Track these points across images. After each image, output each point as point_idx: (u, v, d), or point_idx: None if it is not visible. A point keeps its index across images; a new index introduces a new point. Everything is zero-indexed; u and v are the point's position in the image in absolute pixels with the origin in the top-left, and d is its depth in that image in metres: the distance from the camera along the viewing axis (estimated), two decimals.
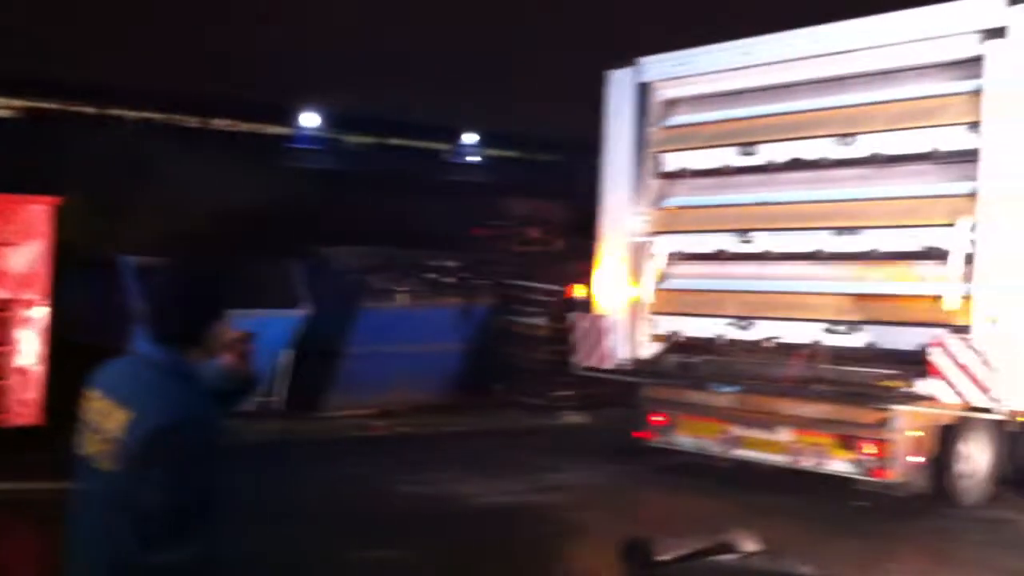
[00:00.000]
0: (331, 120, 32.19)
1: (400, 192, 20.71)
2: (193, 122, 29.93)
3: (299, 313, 12.96)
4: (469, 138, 35.59)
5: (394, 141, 33.71)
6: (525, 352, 15.24)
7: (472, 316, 14.80)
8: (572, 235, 15.71)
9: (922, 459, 9.19)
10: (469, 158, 35.40)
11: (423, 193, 21.40)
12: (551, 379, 14.53)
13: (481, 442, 12.94)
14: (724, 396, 10.25)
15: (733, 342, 10.64)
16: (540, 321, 15.18)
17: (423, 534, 8.45)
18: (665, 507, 9.75)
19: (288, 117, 31.72)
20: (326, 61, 27.95)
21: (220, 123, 30.60)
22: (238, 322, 3.27)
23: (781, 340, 10.29)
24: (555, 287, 14.95)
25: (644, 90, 11.55)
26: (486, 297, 15.08)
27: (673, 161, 11.54)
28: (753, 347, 10.48)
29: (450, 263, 15.09)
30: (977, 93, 9.09)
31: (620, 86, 11.65)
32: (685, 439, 10.61)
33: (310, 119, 32.41)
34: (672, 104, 11.64)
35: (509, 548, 8.28)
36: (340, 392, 13.78)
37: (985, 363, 8.47)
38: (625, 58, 11.70)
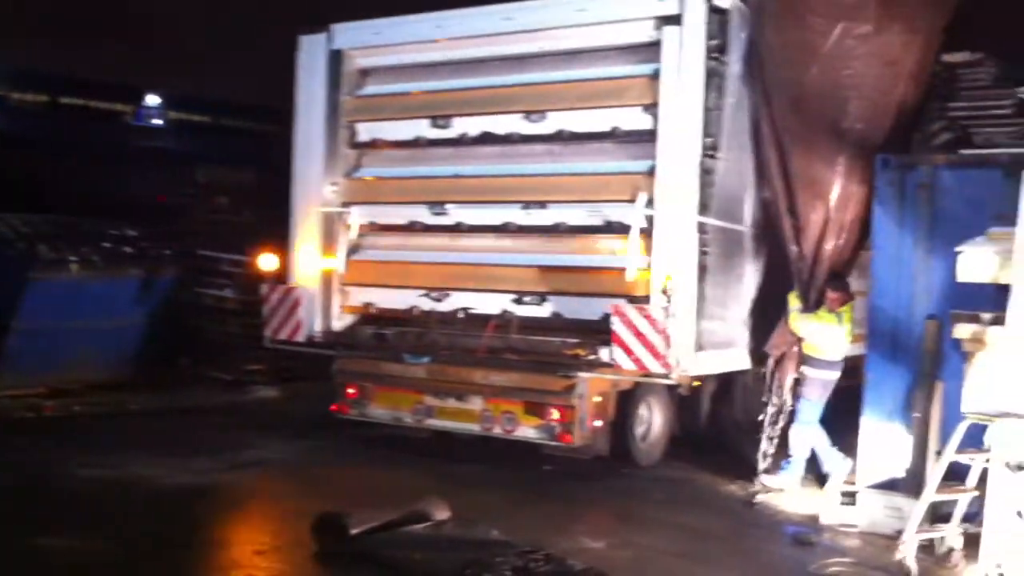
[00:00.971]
0: None
1: (75, 156, 19.29)
2: None
3: None
4: (152, 100, 33.65)
5: (68, 101, 31.28)
6: (213, 325, 14.67)
7: (155, 288, 14.04)
8: (262, 205, 15.25)
9: (603, 423, 9.65)
10: (154, 121, 33.47)
11: (101, 158, 20.04)
12: (241, 353, 14.08)
13: (167, 420, 12.34)
14: (417, 367, 10.31)
15: (427, 313, 10.70)
16: (228, 293, 14.66)
17: (104, 519, 7.94)
18: (360, 480, 9.68)
19: None
20: None
21: None
22: None
23: (473, 311, 10.46)
24: (244, 258, 14.45)
25: (337, 57, 11.34)
26: (170, 268, 14.34)
27: (367, 131, 11.42)
28: (446, 318, 10.59)
29: (130, 232, 14.22)
30: (655, 76, 9.57)
31: (313, 52, 11.38)
32: (380, 411, 10.59)
33: None
34: (366, 73, 11.51)
35: (198, 530, 7.93)
36: (7, 371, 12.64)
37: (660, 332, 8.99)
38: (319, 23, 11.42)
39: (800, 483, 9.63)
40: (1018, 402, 7.37)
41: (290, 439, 11.33)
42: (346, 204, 11.24)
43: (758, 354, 10.19)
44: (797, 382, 9.84)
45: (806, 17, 9.48)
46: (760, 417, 10.00)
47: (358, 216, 11.15)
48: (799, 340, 9.81)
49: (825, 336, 9.63)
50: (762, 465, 9.82)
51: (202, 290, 14.80)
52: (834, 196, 9.68)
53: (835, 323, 9.64)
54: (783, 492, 9.53)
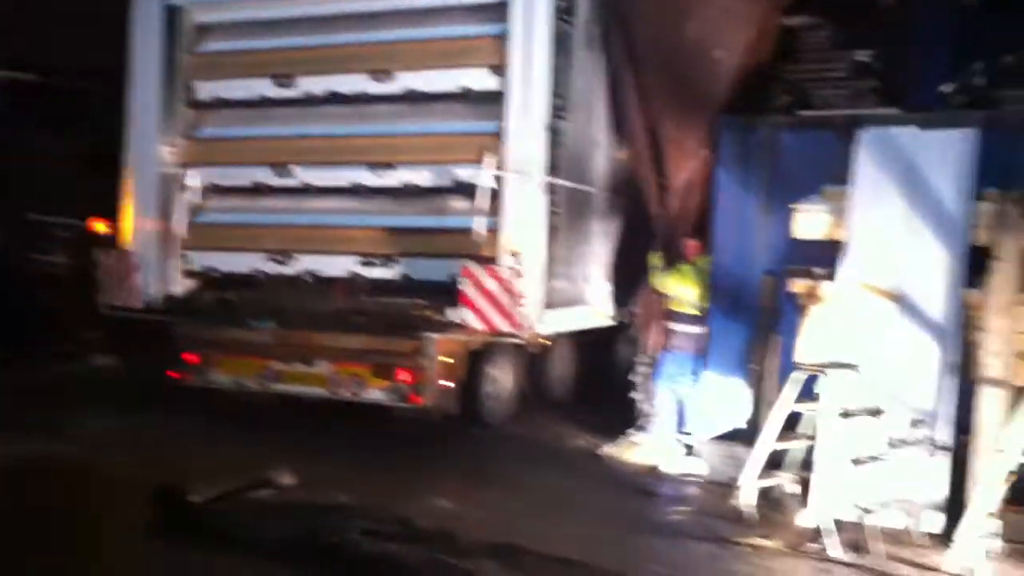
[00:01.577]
0: None
1: None
2: None
3: None
4: None
5: None
6: (43, 292, 13.95)
7: None
8: (95, 166, 14.56)
9: (453, 383, 9.62)
10: None
11: None
12: (75, 321, 13.45)
13: None
14: (262, 332, 10.04)
15: (272, 277, 10.46)
16: (59, 258, 13.96)
17: None
18: (202, 449, 9.37)
19: None
20: None
21: None
22: None
23: (320, 274, 10.27)
24: (77, 222, 13.80)
25: (174, 13, 10.92)
26: None
27: (206, 90, 11.04)
28: (292, 282, 10.37)
29: None
30: (503, 37, 9.52)
31: (147, 8, 10.91)
32: (223, 377, 10.26)
33: None
34: (205, 29, 11.11)
35: (32, 509, 7.53)
36: None
37: (509, 292, 9.00)
38: None
39: (669, 437, 9.77)
40: (847, 353, 7.68)
41: (128, 409, 10.89)
42: (185, 165, 10.86)
43: (622, 314, 10.31)
44: (665, 337, 9.98)
45: None
46: (630, 375, 10.14)
47: (198, 178, 10.78)
48: (663, 297, 9.96)
49: (686, 289, 9.79)
50: (633, 424, 9.98)
51: (33, 256, 14.05)
52: (696, 156, 9.84)
53: (694, 276, 9.80)
54: (634, 446, 9.70)
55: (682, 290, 9.77)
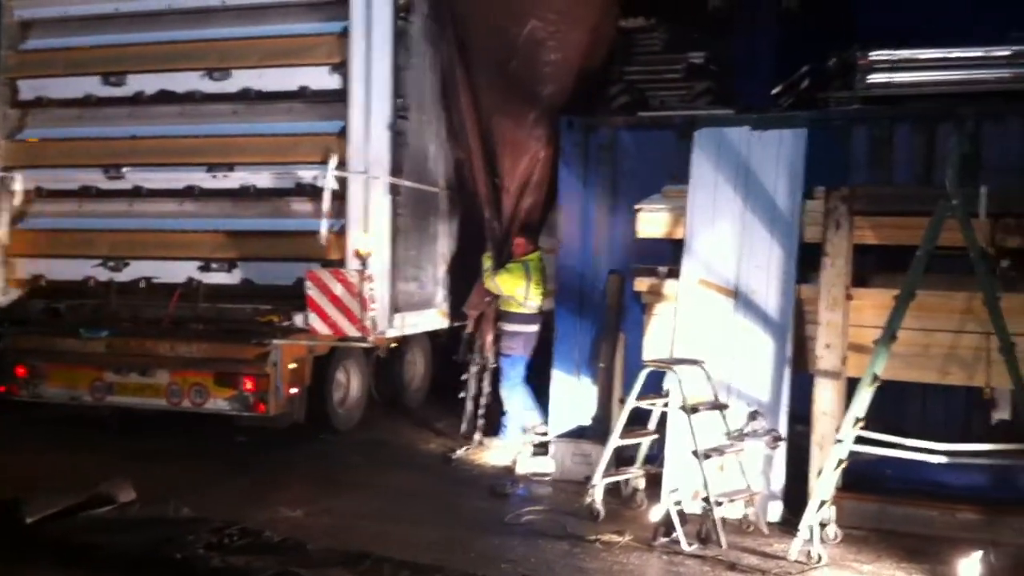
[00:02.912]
0: None
1: None
2: None
3: None
4: None
5: None
6: None
7: None
8: None
9: (299, 390, 9.43)
10: None
11: None
12: None
13: None
14: (96, 341, 9.62)
15: (105, 284, 10.03)
16: None
17: None
18: (35, 464, 8.94)
19: None
20: None
21: None
22: None
23: (157, 280, 9.92)
24: None
25: None
26: None
27: (30, 88, 10.51)
28: (127, 288, 9.98)
29: None
30: (343, 35, 9.38)
31: None
32: (55, 390, 9.79)
33: None
34: (27, 26, 10.58)
35: None
36: None
37: (356, 295, 8.86)
38: None
39: (518, 438, 9.81)
40: (691, 349, 7.88)
41: None
42: (8, 168, 10.30)
43: (456, 315, 10.31)
44: (498, 339, 10.03)
45: None
46: (463, 377, 10.14)
47: (22, 181, 10.24)
48: (495, 298, 10.00)
49: (517, 288, 9.85)
50: (464, 426, 10.00)
51: None
52: (533, 154, 9.92)
53: (522, 274, 9.86)
54: (485, 448, 9.73)
55: (511, 287, 9.83)
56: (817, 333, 7.55)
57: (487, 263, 9.95)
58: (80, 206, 10.31)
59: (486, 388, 10.04)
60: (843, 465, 6.82)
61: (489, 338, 10.08)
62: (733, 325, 7.99)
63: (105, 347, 9.59)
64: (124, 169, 10.06)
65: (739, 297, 8.03)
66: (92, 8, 10.31)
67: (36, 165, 10.38)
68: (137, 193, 10.11)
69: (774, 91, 9.94)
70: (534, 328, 10.05)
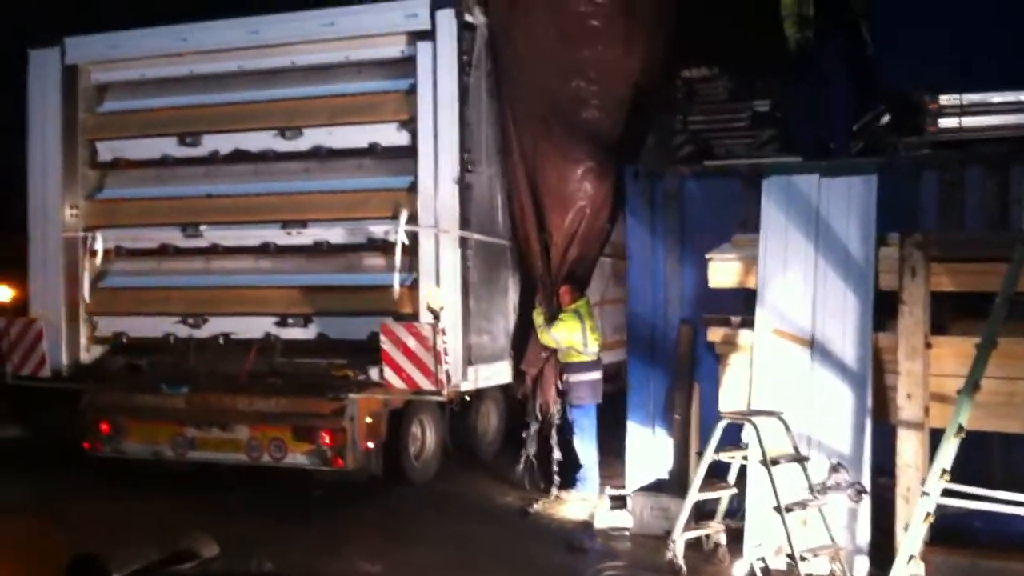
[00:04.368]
0: None
1: None
2: None
3: None
4: None
5: None
6: None
7: None
8: None
9: (376, 444, 9.52)
10: None
11: None
12: None
13: None
14: (176, 397, 9.82)
15: (184, 340, 10.24)
16: None
17: None
18: (118, 517, 9.13)
19: None
20: None
21: None
22: None
23: (234, 336, 10.10)
24: None
25: (72, 72, 10.68)
26: None
27: (109, 150, 10.82)
28: (205, 344, 10.17)
29: None
30: (411, 92, 9.54)
31: (44, 67, 10.69)
32: (136, 446, 10.00)
33: None
34: (104, 89, 10.91)
35: None
36: None
37: (429, 349, 8.95)
38: (50, 35, 10.70)
39: (595, 491, 9.81)
40: (768, 400, 7.86)
41: (36, 478, 10.55)
42: (89, 228, 10.60)
43: (516, 373, 10.31)
44: (563, 393, 10.07)
45: (560, 35, 9.78)
46: (524, 434, 10.18)
47: (103, 241, 10.52)
48: (554, 352, 10.03)
49: (574, 337, 9.87)
50: (527, 478, 10.01)
51: None
52: (579, 208, 9.99)
53: (576, 321, 9.88)
54: (562, 501, 9.73)
55: (568, 338, 9.85)
56: (897, 383, 7.50)
57: (539, 319, 9.95)
58: (159, 264, 10.57)
59: (554, 442, 10.04)
60: (930, 519, 6.74)
61: (551, 394, 10.12)
62: (810, 375, 7.96)
63: (185, 402, 9.78)
64: (201, 227, 10.29)
65: (815, 346, 8.01)
66: (167, 71, 10.61)
67: (115, 225, 10.67)
68: (214, 250, 10.34)
69: (842, 137, 9.92)
70: (598, 374, 10.10)
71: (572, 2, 9.82)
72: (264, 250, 10.16)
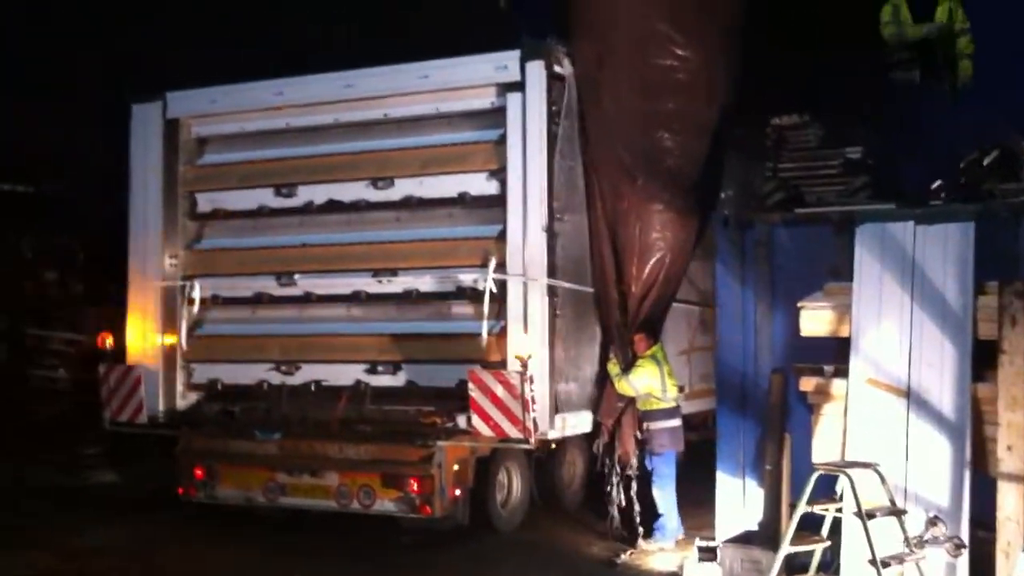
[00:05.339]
0: None
1: None
2: None
3: None
4: None
5: None
6: (44, 406, 13.86)
7: None
8: (93, 277, 14.60)
9: (463, 491, 9.54)
10: None
11: None
12: (76, 435, 13.34)
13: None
14: (268, 443, 9.99)
15: (277, 387, 10.42)
16: (61, 373, 13.88)
17: None
18: (212, 562, 9.29)
19: None
20: None
21: None
22: None
23: (325, 383, 10.24)
24: (76, 335, 13.76)
25: (173, 126, 11.04)
26: None
27: (207, 201, 11.12)
28: (297, 391, 10.32)
29: None
30: (500, 142, 9.66)
31: (146, 121, 11.05)
32: (229, 491, 10.18)
33: None
34: (204, 142, 11.25)
35: None
36: None
37: (517, 397, 8.97)
38: (151, 89, 11.09)
39: (676, 540, 9.72)
40: (862, 451, 7.69)
41: (132, 523, 10.78)
42: (187, 277, 10.88)
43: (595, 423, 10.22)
44: (643, 442, 9.97)
45: (644, 88, 9.83)
46: (607, 487, 10.07)
47: (200, 289, 10.78)
48: (631, 402, 9.95)
49: (653, 384, 9.80)
50: (615, 527, 9.93)
51: (33, 371, 13.98)
52: (659, 258, 9.97)
53: (655, 366, 9.81)
54: (650, 552, 9.61)
55: (647, 385, 9.77)
56: (997, 434, 7.29)
57: (614, 368, 9.86)
58: (253, 312, 10.79)
59: (634, 492, 9.93)
60: None
61: (630, 444, 10.02)
62: (906, 426, 7.77)
63: (277, 449, 9.94)
64: (295, 276, 10.49)
65: (911, 396, 7.83)
66: (264, 124, 10.90)
67: (213, 273, 10.92)
68: (307, 299, 10.52)
69: (936, 184, 9.75)
70: (679, 421, 10.01)
71: (656, 56, 9.86)
72: (355, 298, 10.30)
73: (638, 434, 10.01)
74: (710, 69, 9.93)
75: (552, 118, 9.60)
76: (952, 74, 10.60)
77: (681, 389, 10.47)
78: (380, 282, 10.18)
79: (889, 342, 8.00)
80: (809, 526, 7.58)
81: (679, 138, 9.97)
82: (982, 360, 7.62)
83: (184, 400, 10.87)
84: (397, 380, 9.98)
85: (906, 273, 8.11)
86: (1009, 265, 8.09)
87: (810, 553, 7.70)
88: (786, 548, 7.40)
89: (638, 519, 9.84)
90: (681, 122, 9.95)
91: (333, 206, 10.51)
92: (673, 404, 9.98)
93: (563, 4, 10.30)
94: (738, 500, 9.14)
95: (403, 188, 10.23)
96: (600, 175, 10.04)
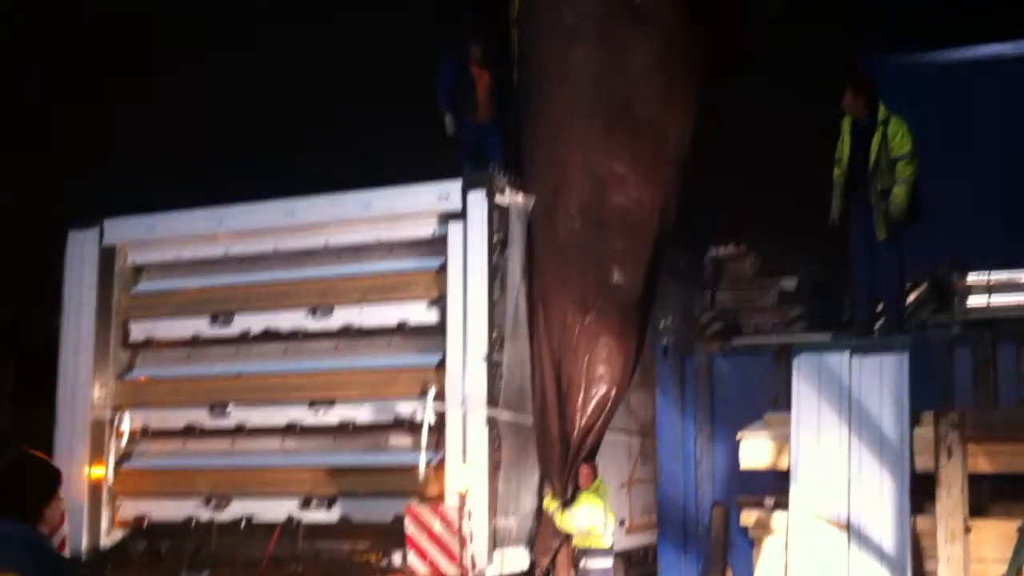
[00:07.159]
0: None
1: None
2: None
3: None
4: None
5: None
6: None
7: None
8: (18, 407, 14.18)
9: None
10: None
11: None
12: None
13: None
14: None
15: (206, 524, 10.06)
16: None
17: None
18: None
19: None
20: None
21: None
22: None
23: (257, 518, 9.92)
24: None
25: (110, 253, 10.90)
26: None
27: (141, 330, 10.92)
28: (227, 528, 9.97)
29: None
30: (441, 271, 9.63)
31: (82, 248, 10.88)
32: None
33: None
34: (140, 270, 11.11)
35: None
36: None
37: (455, 532, 8.73)
38: (88, 216, 10.96)
39: None
40: None
41: None
42: (117, 408, 10.60)
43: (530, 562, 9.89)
44: None
45: (598, 224, 9.83)
46: None
47: (130, 421, 10.50)
48: (568, 539, 9.63)
49: (598, 519, 9.39)
50: None
51: None
52: (605, 392, 9.76)
53: (598, 501, 9.41)
54: None
55: (590, 520, 9.37)
56: (937, 569, 7.22)
57: (552, 504, 9.49)
58: (184, 445, 10.50)
59: None
60: None
61: None
62: (847, 560, 7.68)
63: None
64: (228, 407, 10.26)
65: (852, 530, 7.76)
66: (203, 252, 10.78)
67: (143, 405, 10.65)
68: (240, 431, 10.27)
69: (871, 315, 9.87)
70: (611, 561, 9.67)
71: (612, 196, 9.85)
72: (290, 430, 10.07)
73: (573, 574, 9.73)
74: (661, 207, 9.96)
75: (494, 248, 9.60)
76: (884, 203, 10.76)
77: (622, 522, 10.22)
78: (316, 413, 9.98)
79: (829, 474, 7.97)
80: None
81: (629, 272, 9.90)
82: (920, 490, 7.59)
83: (109, 537, 10.43)
84: (331, 515, 9.68)
85: (844, 404, 8.13)
86: (944, 395, 8.17)
87: None
88: None
89: None
90: (631, 257, 9.90)
91: (270, 335, 10.35)
92: (610, 545, 9.66)
93: (521, 133, 10.35)
94: None
95: (342, 317, 10.11)
96: (548, 306, 9.88)
